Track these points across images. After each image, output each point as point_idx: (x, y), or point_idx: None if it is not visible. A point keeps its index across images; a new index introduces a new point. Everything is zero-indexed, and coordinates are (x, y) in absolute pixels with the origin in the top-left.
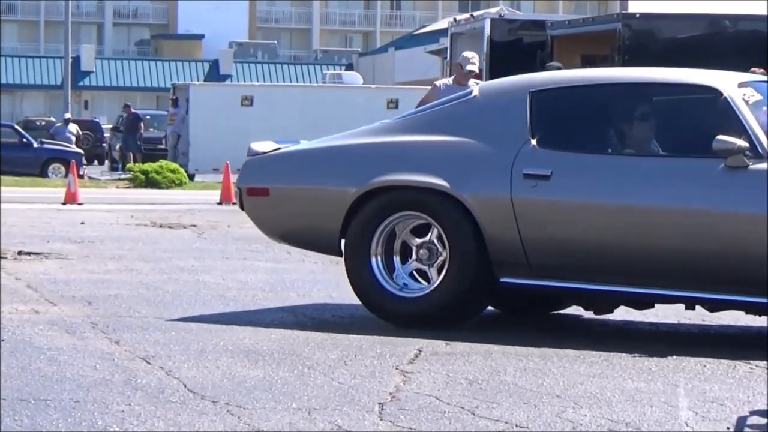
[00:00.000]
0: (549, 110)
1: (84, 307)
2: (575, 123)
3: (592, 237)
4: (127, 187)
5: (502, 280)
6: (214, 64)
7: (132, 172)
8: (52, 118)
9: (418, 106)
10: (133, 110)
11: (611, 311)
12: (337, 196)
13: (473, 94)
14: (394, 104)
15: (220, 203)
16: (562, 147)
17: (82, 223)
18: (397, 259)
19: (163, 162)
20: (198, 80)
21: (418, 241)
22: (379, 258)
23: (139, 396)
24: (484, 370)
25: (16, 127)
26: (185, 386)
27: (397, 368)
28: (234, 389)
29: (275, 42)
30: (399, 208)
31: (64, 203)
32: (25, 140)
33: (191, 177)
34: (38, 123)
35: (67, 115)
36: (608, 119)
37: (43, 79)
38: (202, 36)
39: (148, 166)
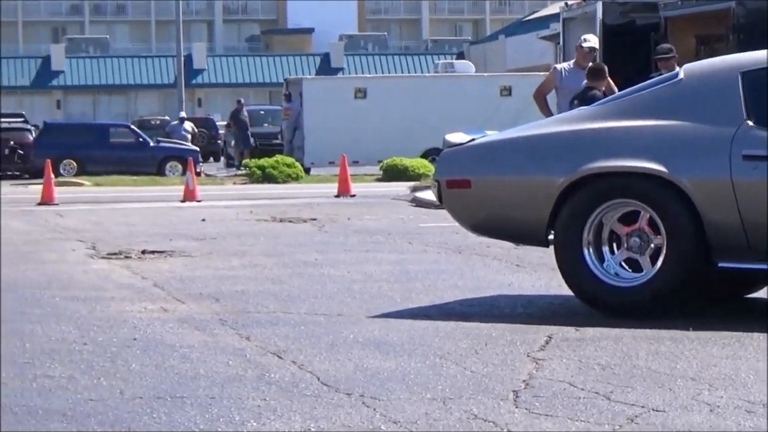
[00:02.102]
0: (765, 90)
1: (212, 303)
2: None
3: None
4: (244, 183)
5: (720, 264)
6: (325, 58)
7: (248, 168)
8: (167, 117)
9: (537, 92)
10: (239, 107)
11: None
12: (544, 186)
13: (680, 76)
14: (507, 91)
15: (337, 196)
16: None
17: (202, 220)
18: (606, 249)
19: (279, 157)
20: (310, 74)
21: (627, 229)
22: (590, 248)
23: (273, 391)
24: (616, 355)
25: (132, 126)
26: (319, 379)
27: (528, 355)
28: (367, 381)
29: (385, 33)
30: (611, 195)
31: (183, 201)
32: (141, 140)
33: (307, 171)
34: (153, 122)
35: (183, 114)
36: None
37: (156, 78)
38: (312, 30)
39: (265, 161)
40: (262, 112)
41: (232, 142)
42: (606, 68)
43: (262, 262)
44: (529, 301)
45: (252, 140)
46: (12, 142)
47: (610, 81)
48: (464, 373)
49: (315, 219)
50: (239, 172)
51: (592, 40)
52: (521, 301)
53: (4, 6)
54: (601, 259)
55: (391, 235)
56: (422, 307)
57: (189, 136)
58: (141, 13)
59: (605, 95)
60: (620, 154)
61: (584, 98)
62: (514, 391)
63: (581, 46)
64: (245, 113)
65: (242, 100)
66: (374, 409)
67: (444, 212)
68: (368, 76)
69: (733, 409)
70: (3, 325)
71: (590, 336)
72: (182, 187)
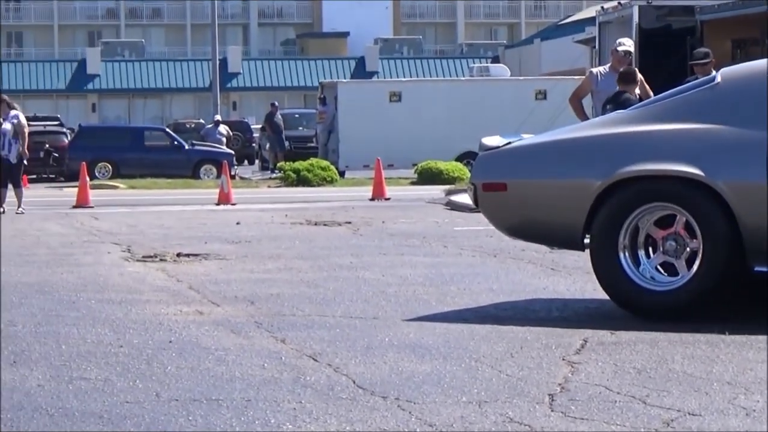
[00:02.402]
0: None
1: (247, 306)
2: None
3: None
4: (279, 186)
5: (756, 269)
6: (360, 62)
7: (283, 171)
8: (202, 120)
9: (573, 96)
10: (274, 110)
11: None
12: (580, 189)
13: (716, 80)
14: (542, 95)
15: (372, 199)
16: None
17: (237, 223)
18: (642, 253)
19: (313, 160)
20: (345, 78)
21: (663, 233)
22: (626, 251)
23: (309, 393)
24: (652, 359)
25: (167, 130)
26: (354, 382)
27: (564, 359)
28: (403, 384)
29: (420, 37)
30: (648, 199)
31: (217, 204)
32: (176, 143)
33: (342, 174)
34: (188, 125)
35: (218, 117)
36: None
37: (191, 81)
38: (347, 33)
39: (300, 164)
40: (297, 116)
41: (267, 145)
42: (637, 72)
43: (297, 265)
44: (564, 305)
45: (287, 143)
46: (47, 145)
47: (646, 85)
48: (499, 377)
49: (350, 222)
50: (274, 175)
51: (628, 44)
52: (556, 304)
53: (41, 9)
54: (636, 262)
55: (426, 239)
56: (457, 311)
57: (224, 140)
58: (176, 16)
59: (641, 99)
60: (657, 158)
61: (618, 101)
62: (549, 394)
63: (616, 50)
64: (279, 116)
65: (276, 103)
66: (410, 412)
67: (478, 216)
68: (403, 79)
69: None
70: (38, 327)
71: (626, 339)
72: (217, 190)
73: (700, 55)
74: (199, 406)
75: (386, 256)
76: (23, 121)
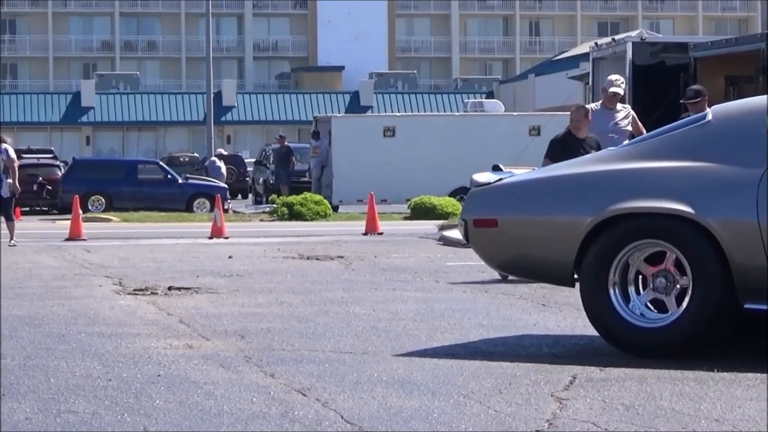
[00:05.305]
0: None
1: (237, 341)
2: None
3: None
4: (272, 220)
5: (746, 306)
6: (355, 96)
7: (276, 205)
8: (196, 154)
9: (565, 133)
10: (286, 143)
11: None
12: (571, 226)
13: (708, 118)
14: (536, 131)
15: (365, 234)
16: None
17: (230, 257)
18: (632, 289)
19: (307, 194)
20: (339, 112)
21: (653, 269)
22: (617, 288)
23: (297, 428)
24: (640, 395)
25: (161, 163)
26: (342, 417)
27: (552, 395)
28: (391, 419)
29: (415, 72)
30: (638, 236)
31: (210, 237)
32: (170, 176)
33: (335, 208)
34: (182, 159)
35: (222, 151)
36: None
37: (186, 115)
38: (342, 68)
39: (293, 198)
40: None
41: (261, 179)
42: (586, 109)
43: (289, 299)
44: (554, 341)
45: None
46: (40, 178)
47: (638, 122)
48: (488, 413)
49: (342, 257)
50: (267, 209)
51: (617, 84)
52: (546, 340)
53: (36, 41)
54: (626, 299)
55: (418, 274)
56: (447, 346)
57: (225, 173)
58: (172, 49)
59: (633, 136)
60: (647, 195)
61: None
62: (537, 430)
63: (606, 90)
64: (287, 148)
65: (283, 135)
66: None
67: (470, 251)
68: (397, 114)
69: None
70: (27, 360)
71: (614, 376)
72: (210, 224)
73: (691, 93)
74: None
75: (378, 291)
76: (13, 155)
